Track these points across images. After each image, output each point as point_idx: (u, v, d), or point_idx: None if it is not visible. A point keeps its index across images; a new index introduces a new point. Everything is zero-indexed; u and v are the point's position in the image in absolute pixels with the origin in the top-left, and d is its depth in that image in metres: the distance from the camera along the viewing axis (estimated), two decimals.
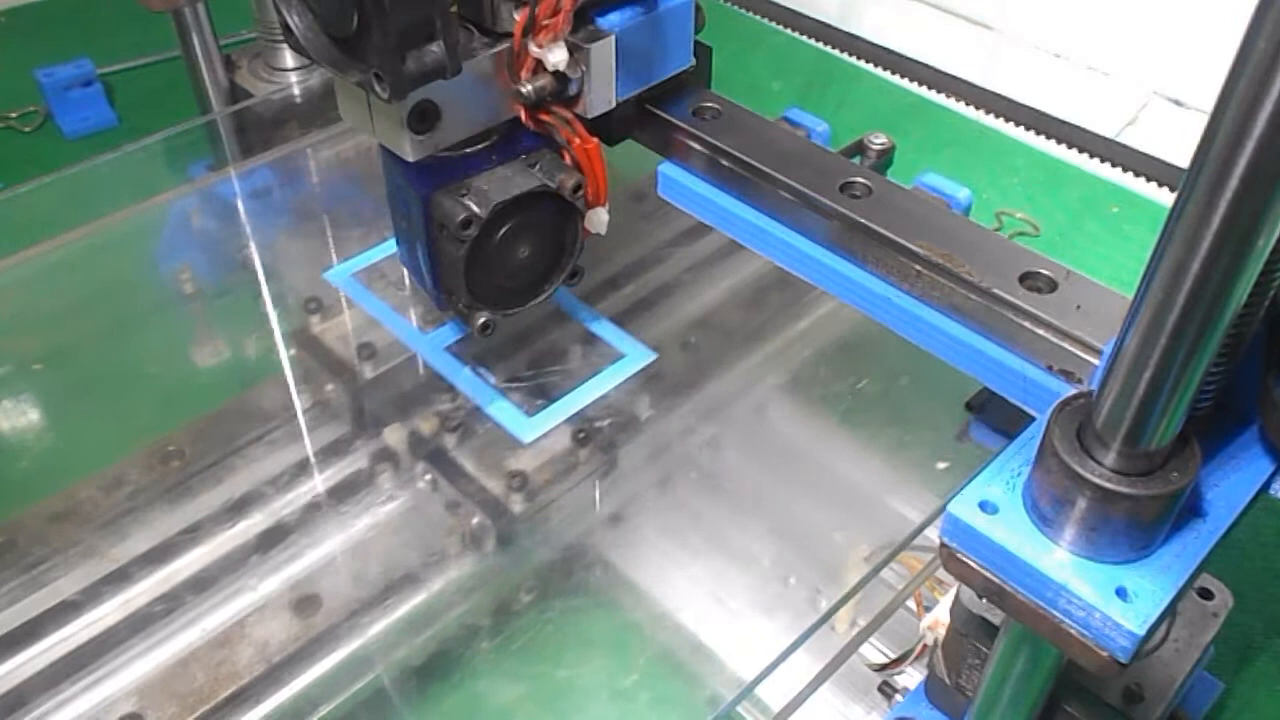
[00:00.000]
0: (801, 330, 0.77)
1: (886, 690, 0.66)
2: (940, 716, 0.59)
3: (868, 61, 0.95)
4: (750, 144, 0.60)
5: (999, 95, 0.87)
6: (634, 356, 0.69)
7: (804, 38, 1.00)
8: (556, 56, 0.54)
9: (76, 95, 1.18)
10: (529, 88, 0.55)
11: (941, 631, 0.56)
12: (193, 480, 0.67)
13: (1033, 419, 0.45)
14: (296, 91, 0.95)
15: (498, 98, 0.56)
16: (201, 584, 0.62)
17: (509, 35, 0.54)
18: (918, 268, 0.54)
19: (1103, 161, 0.83)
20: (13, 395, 0.72)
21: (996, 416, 0.61)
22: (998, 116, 0.87)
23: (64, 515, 0.65)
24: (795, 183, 0.58)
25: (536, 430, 0.66)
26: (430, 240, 0.58)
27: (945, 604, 0.56)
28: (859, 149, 0.76)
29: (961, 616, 0.54)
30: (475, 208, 0.55)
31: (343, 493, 0.66)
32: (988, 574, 0.40)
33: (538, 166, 0.58)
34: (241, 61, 1.00)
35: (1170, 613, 0.39)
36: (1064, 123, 0.84)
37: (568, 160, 0.59)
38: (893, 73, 0.93)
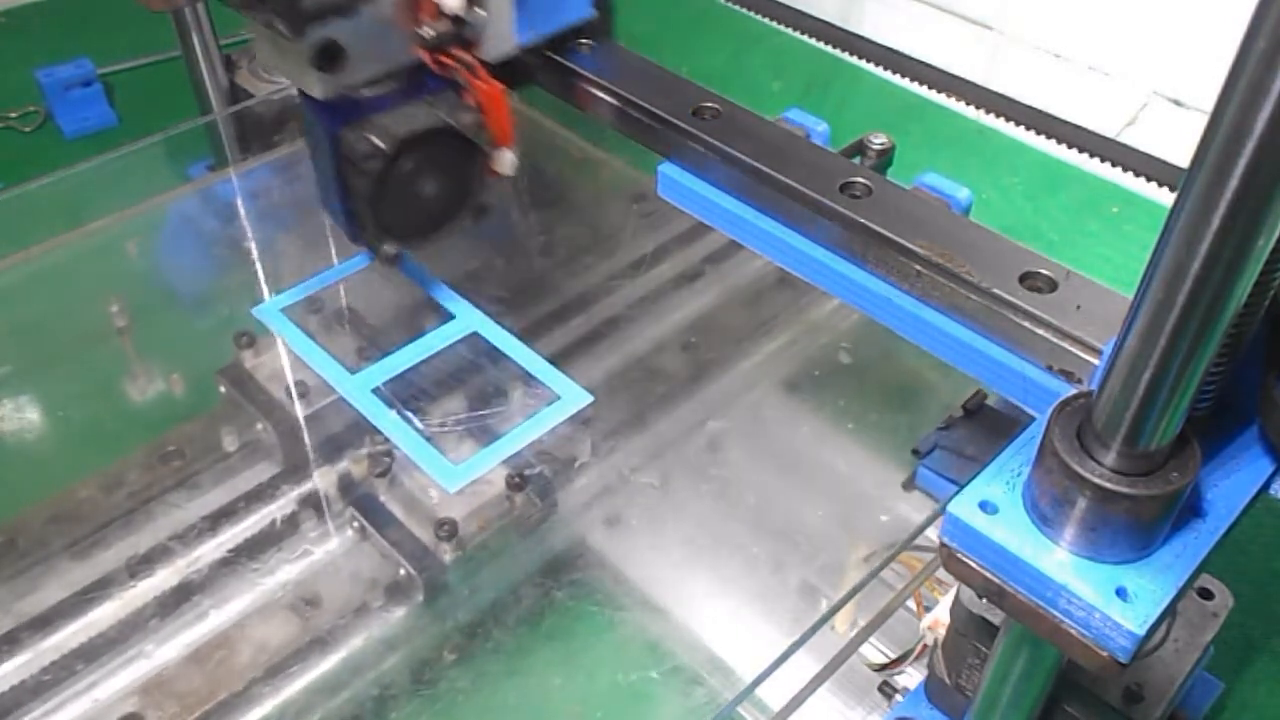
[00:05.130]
0: (801, 331, 0.77)
1: (886, 690, 0.66)
2: (940, 716, 0.59)
3: (868, 61, 0.95)
4: (750, 144, 0.61)
5: (999, 95, 0.87)
6: (569, 398, 0.65)
7: (804, 37, 1.00)
8: (453, 0, 0.57)
9: (76, 95, 1.18)
10: (429, 31, 0.58)
11: (941, 631, 0.56)
12: (185, 484, 0.67)
13: (1032, 419, 0.45)
14: (296, 91, 0.94)
15: (401, 40, 0.59)
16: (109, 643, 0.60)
17: None
18: (918, 268, 0.54)
19: (1103, 161, 0.83)
20: (11, 395, 0.72)
21: (944, 463, 0.61)
22: (998, 116, 0.87)
23: (64, 515, 0.65)
24: (795, 183, 0.58)
25: (464, 478, 0.62)
26: (339, 174, 0.61)
27: (945, 604, 0.56)
28: (859, 149, 0.76)
29: (961, 616, 0.54)
30: (379, 142, 0.59)
31: (260, 544, 0.64)
32: (988, 574, 0.40)
33: (440, 106, 0.61)
34: (241, 61, 0.99)
35: (1170, 613, 0.39)
36: (1064, 123, 0.84)
37: (471, 103, 0.61)
38: (893, 73, 0.93)
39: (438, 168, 0.63)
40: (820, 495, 0.68)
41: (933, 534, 0.60)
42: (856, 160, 0.69)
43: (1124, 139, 0.93)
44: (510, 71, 0.65)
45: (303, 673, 0.59)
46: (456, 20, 0.59)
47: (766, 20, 1.02)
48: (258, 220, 0.84)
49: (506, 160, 0.64)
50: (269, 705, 0.58)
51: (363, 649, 0.61)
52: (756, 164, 0.59)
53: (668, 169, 0.64)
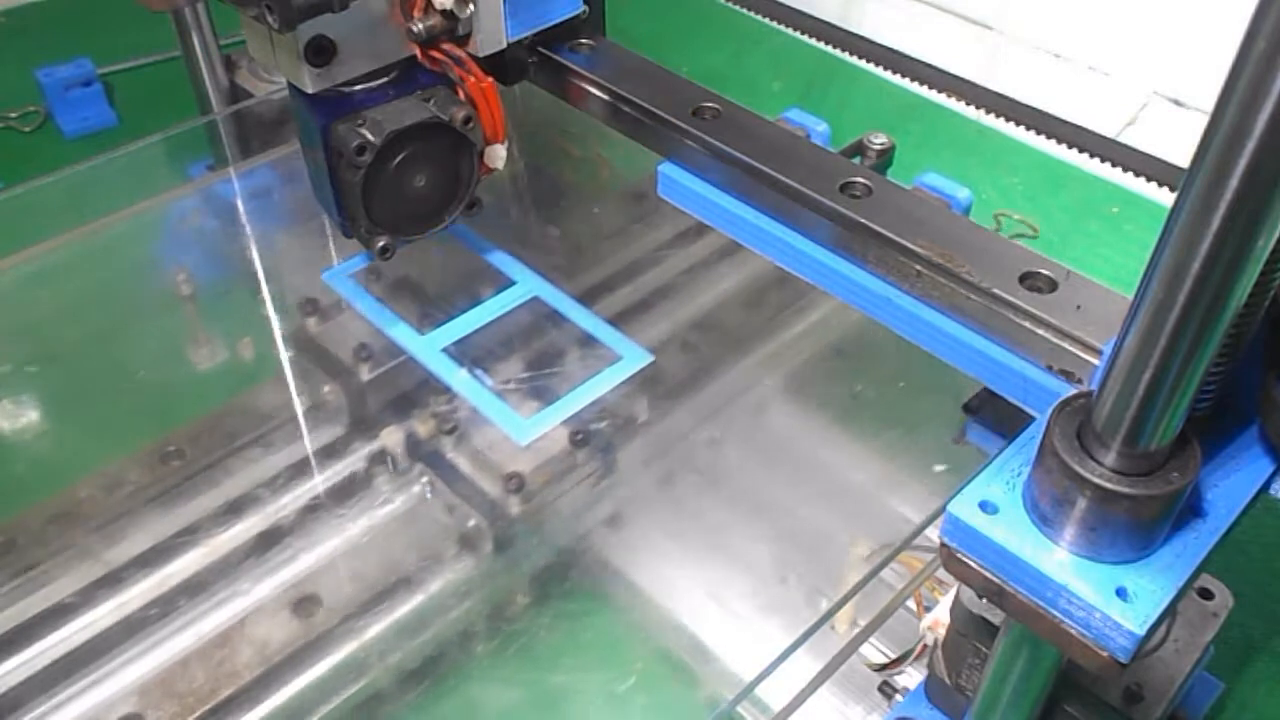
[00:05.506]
0: (802, 330, 0.77)
1: (886, 690, 0.66)
2: (940, 716, 0.59)
3: (868, 61, 0.95)
4: (750, 144, 0.61)
5: (999, 95, 0.87)
6: (631, 358, 0.69)
7: (804, 37, 1.00)
8: None
9: (76, 95, 1.18)
10: (420, 26, 0.59)
11: (941, 631, 0.56)
12: (191, 481, 0.68)
13: (1033, 418, 0.45)
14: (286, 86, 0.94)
15: (392, 35, 0.60)
16: (198, 586, 0.62)
17: None
18: (918, 268, 0.54)
19: (1103, 161, 0.83)
20: (12, 395, 0.72)
21: (994, 418, 0.61)
22: (998, 116, 0.87)
23: (64, 515, 0.65)
24: (795, 183, 0.58)
25: (533, 432, 0.65)
26: (331, 169, 0.61)
27: (945, 604, 0.56)
28: (859, 149, 0.76)
29: (961, 616, 0.54)
30: (370, 136, 0.59)
31: (339, 495, 0.67)
32: (988, 574, 0.40)
33: (432, 101, 0.62)
34: (241, 61, 0.99)
35: (1170, 613, 0.39)
36: (1064, 123, 0.84)
37: (463, 97, 0.62)
38: (893, 72, 0.93)
39: (429, 162, 0.63)
40: (820, 495, 0.68)
41: (933, 534, 0.60)
42: (856, 160, 0.69)
43: (1124, 139, 0.93)
44: (505, 67, 0.66)
45: (390, 610, 0.62)
46: (447, 15, 0.59)
47: (766, 20, 1.02)
48: (281, 210, 0.86)
49: (498, 155, 0.64)
50: (355, 644, 0.61)
51: (440, 593, 0.63)
52: (756, 164, 0.59)
53: (668, 169, 0.64)
